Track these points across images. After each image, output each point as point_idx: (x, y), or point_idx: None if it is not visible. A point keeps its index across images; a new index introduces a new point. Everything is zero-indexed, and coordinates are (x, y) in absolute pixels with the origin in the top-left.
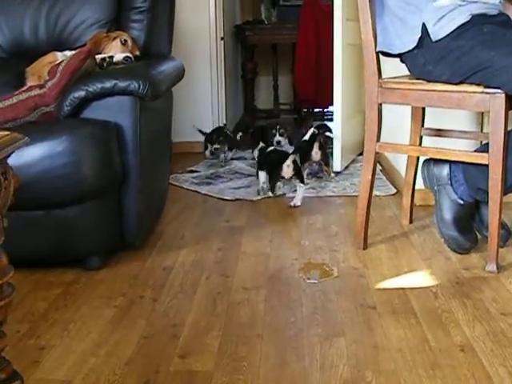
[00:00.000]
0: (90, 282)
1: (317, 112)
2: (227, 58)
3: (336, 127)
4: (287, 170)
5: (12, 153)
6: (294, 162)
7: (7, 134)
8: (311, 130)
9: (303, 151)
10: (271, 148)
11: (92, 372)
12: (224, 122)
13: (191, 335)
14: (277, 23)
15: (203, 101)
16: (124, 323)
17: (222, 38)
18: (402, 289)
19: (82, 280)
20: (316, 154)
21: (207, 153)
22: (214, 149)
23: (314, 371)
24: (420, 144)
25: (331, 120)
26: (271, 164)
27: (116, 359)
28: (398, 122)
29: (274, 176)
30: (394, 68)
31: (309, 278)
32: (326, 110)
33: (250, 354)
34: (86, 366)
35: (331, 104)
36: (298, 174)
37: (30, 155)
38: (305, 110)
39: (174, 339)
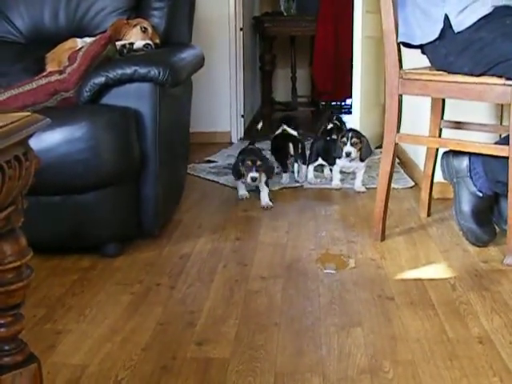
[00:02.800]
0: (106, 268)
1: (334, 105)
2: (246, 49)
3: (354, 120)
4: (293, 147)
5: (33, 134)
6: (300, 141)
7: (28, 115)
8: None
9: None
10: (277, 132)
11: (108, 357)
12: (242, 113)
13: (208, 323)
14: (296, 15)
15: (221, 91)
16: (141, 310)
17: (241, 29)
18: (420, 280)
19: (99, 266)
20: None
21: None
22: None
23: (331, 360)
24: (439, 136)
25: (349, 113)
26: (279, 145)
27: (132, 345)
28: (416, 115)
29: (283, 155)
30: (414, 60)
31: (326, 269)
32: (343, 103)
33: (267, 343)
34: (102, 351)
35: (349, 97)
36: (301, 153)
37: (49, 140)
38: (323, 102)
39: (191, 326)
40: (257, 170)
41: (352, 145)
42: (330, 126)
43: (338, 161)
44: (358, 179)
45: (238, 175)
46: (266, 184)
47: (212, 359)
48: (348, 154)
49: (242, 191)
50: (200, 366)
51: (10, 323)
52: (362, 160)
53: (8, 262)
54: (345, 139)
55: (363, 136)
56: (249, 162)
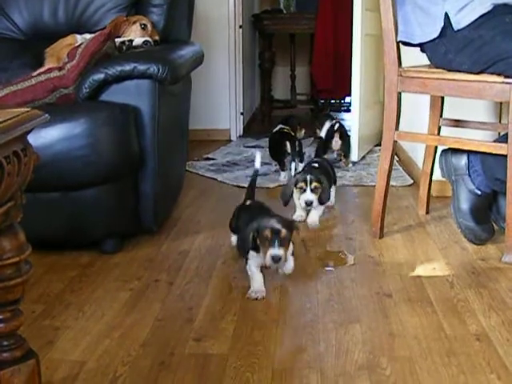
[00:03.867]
0: (105, 265)
1: (334, 103)
2: (245, 46)
3: (354, 117)
4: (290, 146)
5: (32, 129)
6: (297, 139)
7: (27, 111)
8: (334, 122)
9: (324, 140)
10: (275, 130)
11: (106, 353)
12: (241, 110)
13: (206, 319)
14: (295, 13)
15: (221, 89)
16: (139, 306)
17: (240, 27)
18: (418, 277)
19: (98, 263)
20: (336, 143)
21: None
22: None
23: (330, 356)
24: (438, 134)
25: (348, 111)
26: (276, 143)
27: (131, 341)
28: (415, 113)
29: (281, 153)
30: (413, 57)
31: (324, 265)
32: (342, 100)
33: (266, 339)
34: (100, 348)
35: (348, 94)
36: (299, 152)
37: (48, 136)
38: (322, 100)
39: (189, 322)
40: (281, 245)
41: (312, 191)
42: (329, 124)
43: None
44: (315, 213)
45: (247, 249)
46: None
47: (210, 355)
48: (309, 204)
49: (258, 284)
50: (198, 361)
51: (8, 319)
52: (321, 203)
53: (7, 258)
54: (303, 184)
55: (323, 175)
56: (268, 233)
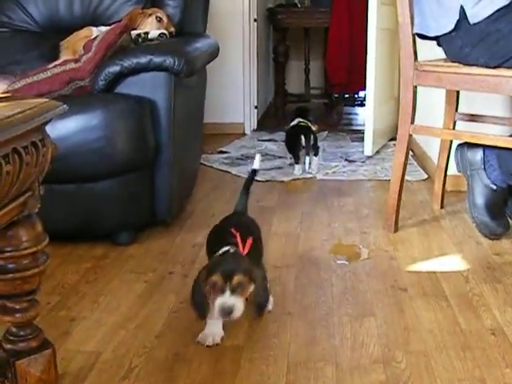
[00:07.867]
0: (120, 256)
1: (347, 97)
2: (259, 40)
3: (368, 112)
4: (305, 139)
5: (50, 120)
6: (313, 132)
7: (46, 101)
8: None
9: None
10: (292, 123)
11: (122, 344)
12: (255, 104)
13: None
14: (310, 7)
15: (235, 82)
16: (154, 298)
17: (255, 20)
18: (433, 272)
19: (112, 255)
20: None
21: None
22: None
23: (345, 349)
24: (453, 129)
25: (362, 105)
26: (292, 136)
27: (146, 332)
28: (430, 108)
29: (296, 146)
30: (429, 52)
31: (339, 259)
32: (356, 95)
33: (281, 331)
34: (115, 339)
35: (362, 89)
36: (314, 145)
37: (64, 128)
38: (336, 95)
39: None
40: (234, 292)
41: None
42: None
43: None
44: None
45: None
46: None
47: (225, 347)
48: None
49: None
50: (213, 353)
51: (25, 309)
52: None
53: (24, 248)
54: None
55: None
56: (217, 279)
